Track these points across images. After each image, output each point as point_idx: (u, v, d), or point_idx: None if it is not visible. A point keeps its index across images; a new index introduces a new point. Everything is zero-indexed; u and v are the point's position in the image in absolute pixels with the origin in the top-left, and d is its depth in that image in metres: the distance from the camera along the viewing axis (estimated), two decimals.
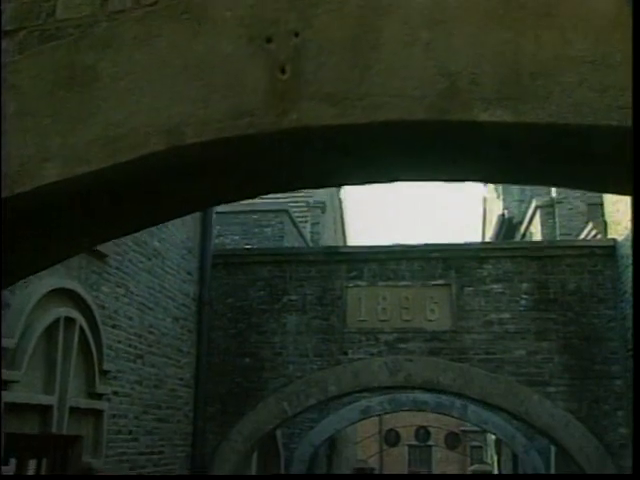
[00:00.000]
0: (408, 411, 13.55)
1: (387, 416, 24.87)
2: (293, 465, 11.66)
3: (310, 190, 16.71)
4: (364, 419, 12.93)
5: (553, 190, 12.33)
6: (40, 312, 4.47)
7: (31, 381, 4.38)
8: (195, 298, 7.60)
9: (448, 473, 25.77)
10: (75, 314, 4.88)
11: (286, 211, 12.54)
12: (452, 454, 26.23)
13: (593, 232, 8.00)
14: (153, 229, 6.54)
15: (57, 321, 4.67)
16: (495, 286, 7.60)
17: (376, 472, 22.34)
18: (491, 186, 17.81)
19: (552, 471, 11.06)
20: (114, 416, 5.57)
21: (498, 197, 16.64)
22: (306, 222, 15.18)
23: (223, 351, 7.84)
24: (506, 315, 7.53)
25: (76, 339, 4.88)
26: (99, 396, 5.24)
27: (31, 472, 4.66)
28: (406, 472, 27.15)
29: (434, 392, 8.94)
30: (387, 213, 53.93)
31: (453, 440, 23.33)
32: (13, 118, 1.75)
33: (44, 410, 4.52)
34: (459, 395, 7.83)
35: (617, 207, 7.34)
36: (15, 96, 1.76)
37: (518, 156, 1.59)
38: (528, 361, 7.40)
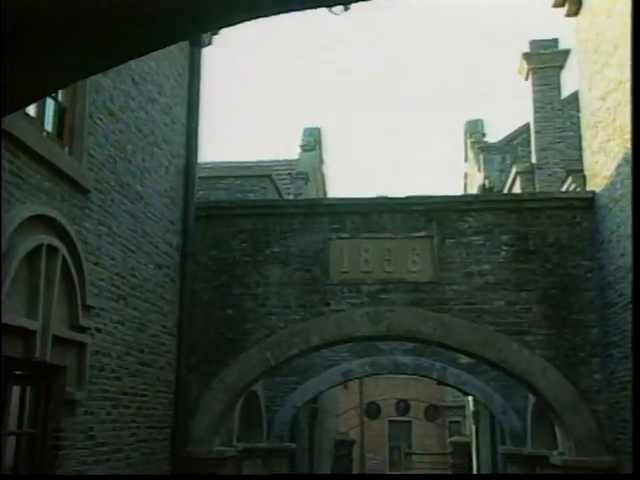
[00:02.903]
0: (389, 374, 13.70)
1: (368, 389, 25.18)
2: (275, 426, 11.77)
3: (293, 161, 16.72)
4: (346, 381, 13.06)
5: (533, 156, 12.47)
6: (21, 237, 4.45)
7: (14, 304, 4.37)
8: (178, 248, 7.59)
9: (427, 445, 26.13)
10: (57, 244, 4.87)
11: (269, 176, 12.53)
12: (432, 428, 26.60)
13: (573, 185, 8.12)
14: (136, 172, 6.52)
15: (39, 248, 4.66)
16: (476, 238, 7.70)
17: (357, 444, 22.58)
18: (472, 160, 17.92)
19: (528, 429, 11.28)
20: (97, 353, 5.58)
21: (479, 170, 16.75)
22: (289, 194, 15.17)
23: (206, 302, 7.85)
24: (486, 266, 7.63)
25: (59, 269, 4.87)
26: (82, 329, 5.25)
27: (15, 399, 4.67)
28: (387, 446, 27.45)
29: (415, 342, 9.04)
30: (366, 183, 53.76)
31: (433, 412, 23.68)
32: None
33: (27, 334, 4.52)
34: (439, 344, 7.94)
35: (596, 159, 7.45)
36: None
37: None
38: (507, 311, 7.53)
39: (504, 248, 7.65)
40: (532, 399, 10.84)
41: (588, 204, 7.55)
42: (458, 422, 25.21)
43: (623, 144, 6.51)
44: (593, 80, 7.43)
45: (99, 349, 5.62)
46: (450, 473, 21.03)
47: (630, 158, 6.34)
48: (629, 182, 6.41)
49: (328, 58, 56.87)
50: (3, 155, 4.28)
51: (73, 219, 5.24)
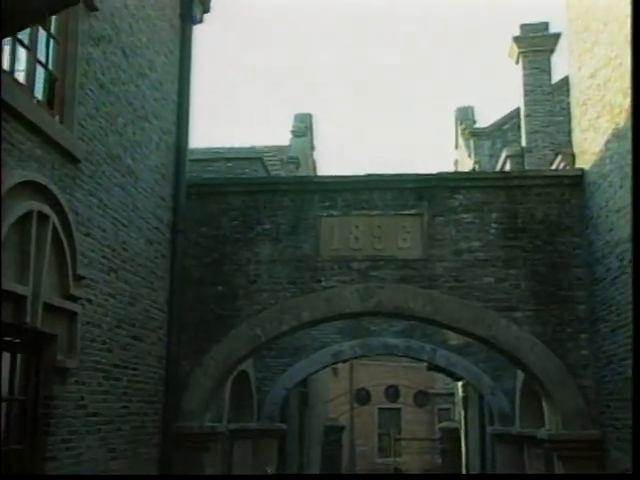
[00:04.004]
0: (378, 357, 13.79)
1: (358, 375, 25.28)
2: (265, 407, 11.83)
3: (284, 147, 16.67)
4: (336, 363, 13.13)
5: (523, 140, 12.54)
6: (11, 201, 4.44)
7: (5, 269, 4.35)
8: (169, 225, 7.58)
9: (417, 432, 26.31)
10: (48, 211, 4.86)
11: (260, 159, 12.54)
12: (421, 415, 26.78)
13: (562, 164, 8.18)
14: (126, 146, 6.50)
15: (30, 214, 4.65)
16: (465, 215, 7.74)
17: (346, 430, 22.71)
18: (462, 147, 17.95)
19: (517, 410, 11.41)
20: (88, 323, 5.58)
21: (469, 155, 16.80)
22: None
23: (197, 280, 7.86)
24: (476, 244, 7.68)
25: (49, 236, 4.86)
26: (73, 298, 5.24)
27: (5, 365, 4.68)
28: (376, 432, 27.62)
29: (404, 318, 9.11)
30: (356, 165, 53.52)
31: (422, 398, 23.85)
32: None
33: (18, 300, 4.51)
34: (429, 321, 7.99)
35: (585, 136, 7.51)
36: None
37: None
38: (496, 288, 7.58)
39: (493, 225, 7.70)
40: (520, 379, 10.97)
41: (577, 181, 7.61)
42: (447, 409, 25.40)
43: (612, 120, 6.56)
44: (583, 58, 7.48)
45: (90, 320, 5.62)
46: (440, 460, 21.23)
47: (619, 134, 6.40)
48: (618, 158, 6.47)
49: (321, 45, 56.68)
50: (3, 127, 4.25)
51: (64, 188, 5.22)
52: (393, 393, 23.52)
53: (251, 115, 52.68)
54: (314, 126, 18.22)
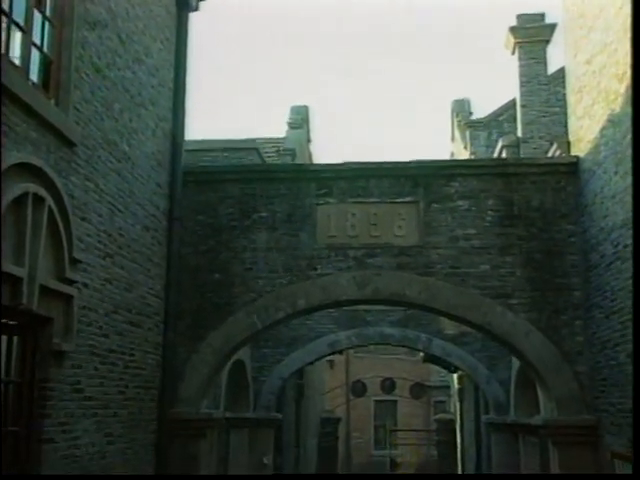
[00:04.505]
0: (374, 345, 13.83)
1: (354, 368, 25.35)
2: (262, 396, 11.86)
3: (280, 138, 16.64)
4: (332, 353, 13.16)
5: (519, 130, 12.54)
6: (7, 182, 4.43)
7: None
8: (165, 212, 7.58)
9: (413, 424, 26.40)
10: (44, 193, 4.86)
11: (256, 149, 12.54)
12: (417, 407, 26.86)
13: (557, 152, 8.20)
14: (123, 131, 6.49)
15: (25, 196, 4.65)
16: (461, 203, 7.75)
17: (342, 422, 22.78)
18: (458, 139, 17.95)
19: (511, 398, 11.47)
20: (84, 307, 5.58)
21: (465, 147, 16.80)
22: None
23: (193, 267, 7.86)
24: (472, 231, 7.70)
25: (45, 219, 4.87)
26: (69, 282, 5.25)
27: (2, 347, 4.68)
28: (372, 424, 27.72)
29: (401, 305, 9.13)
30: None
31: (418, 391, 23.92)
32: None
33: (14, 282, 4.52)
34: (425, 308, 8.02)
35: (580, 123, 7.52)
36: None
37: None
38: (492, 275, 7.61)
39: (489, 213, 7.72)
40: (515, 368, 11.01)
41: (572, 169, 7.63)
42: (443, 402, 25.49)
43: (607, 106, 6.58)
44: (579, 45, 7.49)
45: (86, 304, 5.63)
46: (435, 452, 21.31)
47: (614, 120, 6.42)
48: (613, 144, 6.49)
49: (319, 39, 56.59)
50: (3, 112, 4.24)
51: (60, 172, 5.22)
52: (389, 385, 23.59)
53: (248, 108, 52.60)
54: (310, 118, 18.19)
